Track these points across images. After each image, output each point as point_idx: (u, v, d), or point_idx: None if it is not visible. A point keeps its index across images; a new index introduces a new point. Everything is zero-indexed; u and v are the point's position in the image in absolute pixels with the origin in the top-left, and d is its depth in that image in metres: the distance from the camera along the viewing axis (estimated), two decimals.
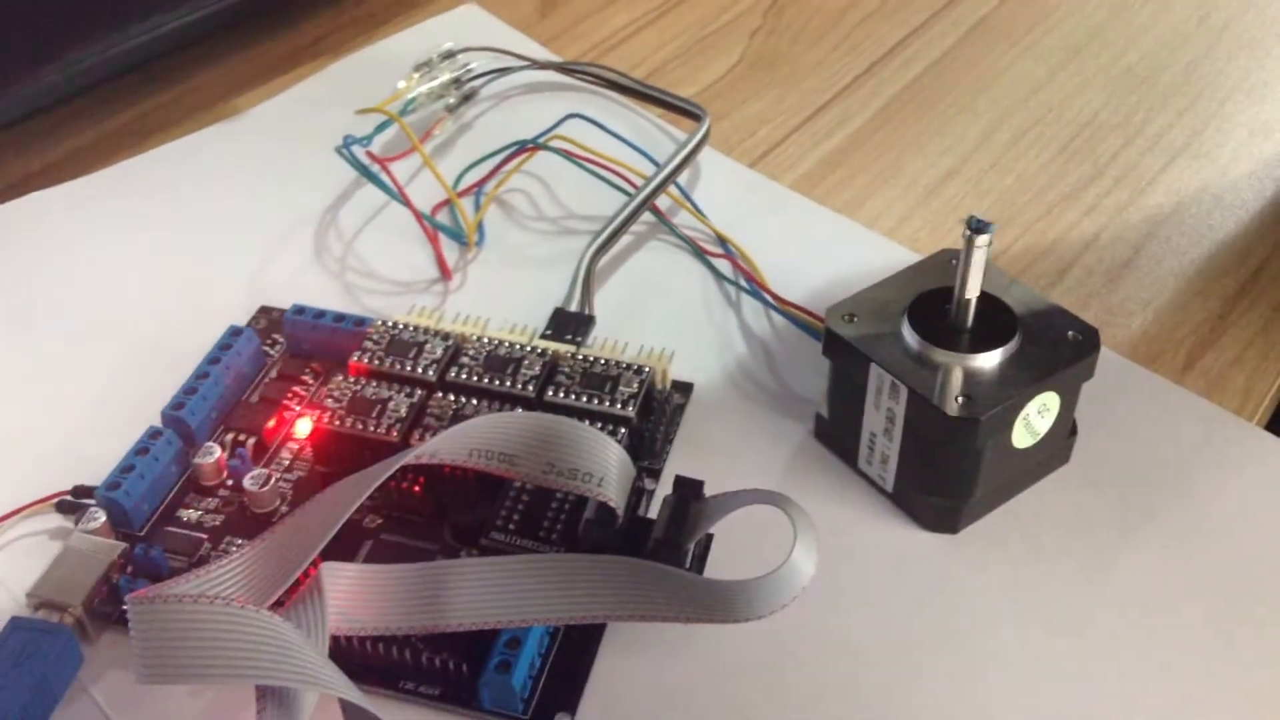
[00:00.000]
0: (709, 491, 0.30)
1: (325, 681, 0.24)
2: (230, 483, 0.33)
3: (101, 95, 0.48)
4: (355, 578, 0.27)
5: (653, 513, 0.32)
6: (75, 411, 0.36)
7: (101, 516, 0.31)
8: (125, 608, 0.24)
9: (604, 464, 0.29)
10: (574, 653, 0.30)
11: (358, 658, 0.28)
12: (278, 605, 0.27)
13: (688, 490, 0.30)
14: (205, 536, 0.32)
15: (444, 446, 0.28)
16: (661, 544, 0.29)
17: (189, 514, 0.33)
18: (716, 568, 0.32)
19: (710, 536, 0.32)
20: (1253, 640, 0.31)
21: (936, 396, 0.31)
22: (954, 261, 0.34)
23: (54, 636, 0.28)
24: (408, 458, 0.28)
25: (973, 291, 0.32)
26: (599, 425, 0.32)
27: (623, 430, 0.33)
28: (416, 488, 0.32)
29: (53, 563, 0.30)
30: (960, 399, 0.31)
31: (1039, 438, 0.32)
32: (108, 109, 0.48)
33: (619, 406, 0.33)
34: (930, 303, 0.33)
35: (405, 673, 0.29)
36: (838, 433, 0.35)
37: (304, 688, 0.24)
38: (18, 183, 0.45)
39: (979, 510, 0.33)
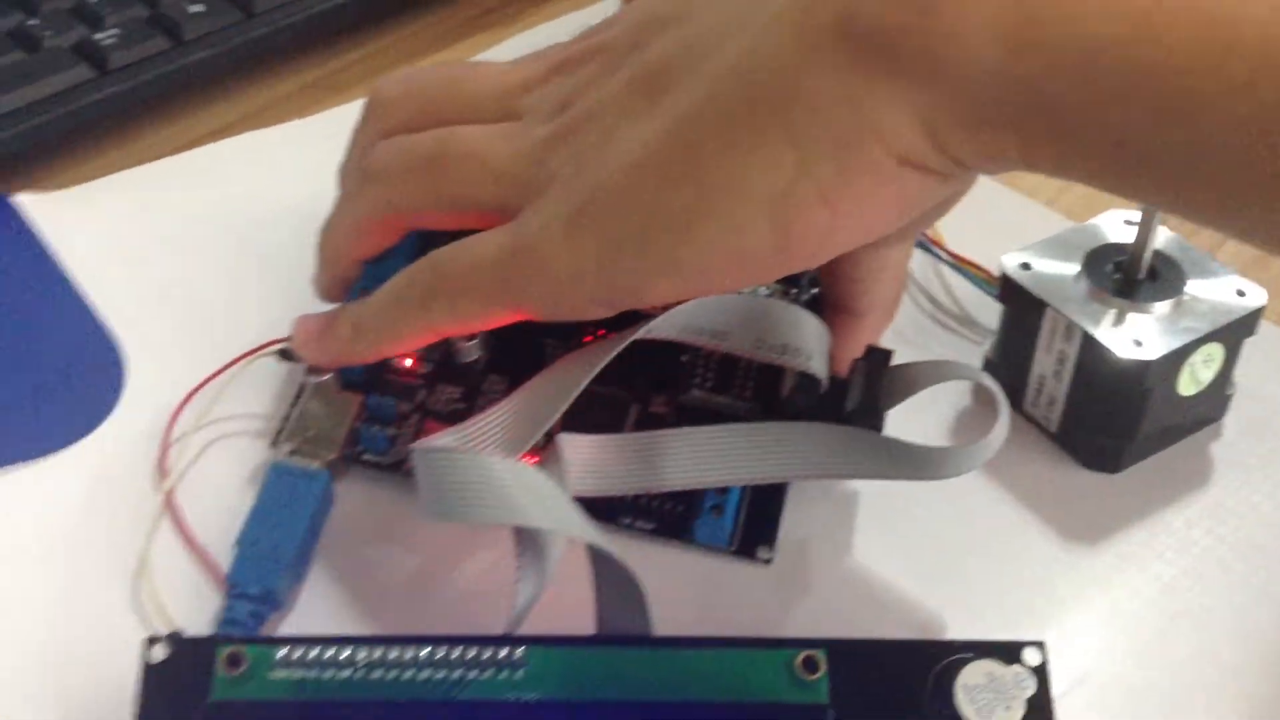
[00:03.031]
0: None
1: (580, 528, 0.27)
2: None
3: (297, 52, 0.51)
4: (587, 445, 0.31)
5: None
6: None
7: None
8: (412, 453, 0.28)
9: (809, 339, 0.32)
10: (767, 497, 0.33)
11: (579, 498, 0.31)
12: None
13: (878, 358, 0.33)
14: (420, 383, 0.35)
15: (660, 325, 0.31)
16: (860, 409, 0.32)
17: (401, 363, 0.35)
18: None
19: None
20: None
21: (1110, 340, 0.33)
22: (1127, 221, 0.36)
23: (314, 480, 0.31)
24: (633, 337, 0.31)
25: (1149, 245, 0.34)
26: None
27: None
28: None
29: (299, 412, 0.33)
30: (1133, 342, 0.33)
31: (1202, 387, 0.34)
32: (309, 62, 0.51)
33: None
34: (1103, 256, 0.35)
35: (623, 509, 0.32)
36: (1004, 376, 0.37)
37: (564, 533, 0.27)
38: (235, 122, 0.48)
39: (1140, 453, 0.35)
